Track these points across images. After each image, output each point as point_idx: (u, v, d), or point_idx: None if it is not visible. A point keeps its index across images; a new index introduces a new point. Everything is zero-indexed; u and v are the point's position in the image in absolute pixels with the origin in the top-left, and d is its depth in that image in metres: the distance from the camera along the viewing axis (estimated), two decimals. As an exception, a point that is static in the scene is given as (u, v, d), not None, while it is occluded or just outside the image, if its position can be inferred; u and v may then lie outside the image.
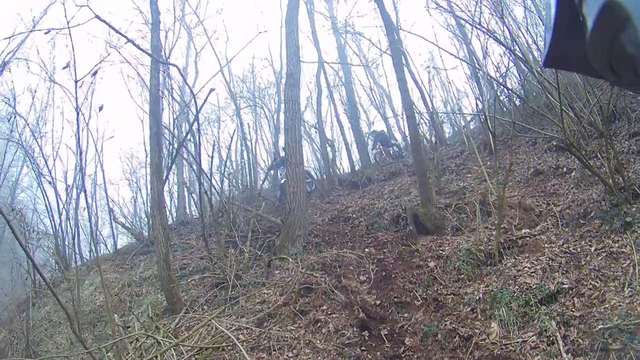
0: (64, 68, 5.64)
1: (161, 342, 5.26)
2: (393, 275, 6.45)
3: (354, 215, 9.19)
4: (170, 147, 8.61)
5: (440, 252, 6.43)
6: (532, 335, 4.31)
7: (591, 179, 6.10)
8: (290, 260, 7.25)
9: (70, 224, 10.92)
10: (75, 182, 11.43)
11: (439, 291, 5.72)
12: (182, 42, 15.31)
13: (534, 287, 4.84)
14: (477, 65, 10.17)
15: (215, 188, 10.23)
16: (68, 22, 5.21)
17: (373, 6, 10.88)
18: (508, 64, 9.28)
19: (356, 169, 12.65)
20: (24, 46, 11.84)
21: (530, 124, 8.10)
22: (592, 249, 4.95)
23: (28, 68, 11.71)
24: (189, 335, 5.55)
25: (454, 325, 4.96)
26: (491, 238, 6.08)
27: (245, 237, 8.59)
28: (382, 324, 5.54)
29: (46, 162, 10.56)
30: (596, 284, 4.43)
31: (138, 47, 6.53)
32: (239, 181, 11.37)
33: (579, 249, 5.07)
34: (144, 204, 11.98)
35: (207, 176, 8.22)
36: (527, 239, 5.84)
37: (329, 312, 5.79)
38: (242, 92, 13.41)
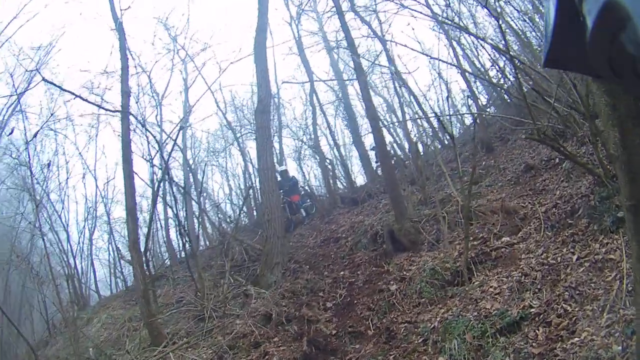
0: (9, 134, 5.34)
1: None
2: (355, 302, 5.34)
3: (344, 235, 8.08)
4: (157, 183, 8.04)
5: (405, 272, 5.23)
6: (480, 377, 3.10)
7: (582, 169, 4.72)
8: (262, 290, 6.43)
9: (83, 264, 10.85)
10: (87, 222, 11.38)
11: (394, 319, 4.52)
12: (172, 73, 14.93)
13: (494, 313, 3.57)
14: (465, 68, 8.93)
15: (209, 219, 9.69)
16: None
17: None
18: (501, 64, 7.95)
19: (358, 185, 11.61)
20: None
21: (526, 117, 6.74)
22: (575, 257, 3.59)
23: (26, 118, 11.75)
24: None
25: (397, 362, 3.80)
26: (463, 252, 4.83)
27: (238, 267, 7.89)
28: (332, 357, 4.48)
29: (55, 209, 10.35)
30: (569, 307, 3.10)
31: (87, 101, 6.23)
32: (242, 209, 10.59)
33: (559, 259, 3.72)
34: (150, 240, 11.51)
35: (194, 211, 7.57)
36: (503, 249, 4.53)
37: (279, 345, 4.80)
38: (239, 119, 12.74)
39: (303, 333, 4.81)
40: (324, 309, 5.54)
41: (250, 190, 10.67)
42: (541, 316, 3.20)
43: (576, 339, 2.74)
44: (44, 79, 5.18)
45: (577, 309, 3.01)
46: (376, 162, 11.75)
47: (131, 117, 6.41)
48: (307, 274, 6.74)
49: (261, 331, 5.04)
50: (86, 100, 6.35)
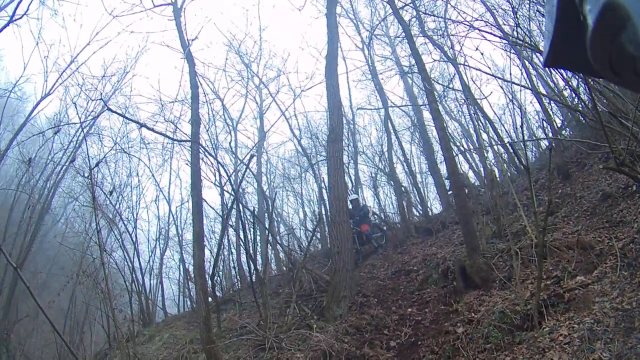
0: (72, 162, 6.02)
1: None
2: (419, 343, 5.10)
3: (415, 268, 7.82)
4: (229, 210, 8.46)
5: (474, 314, 4.90)
6: None
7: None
8: (327, 323, 6.41)
9: (152, 282, 11.54)
10: (158, 242, 12.22)
11: (457, 365, 4.26)
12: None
13: (561, 365, 3.23)
14: (538, 90, 8.27)
15: (281, 245, 9.85)
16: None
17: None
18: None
19: (434, 212, 11.14)
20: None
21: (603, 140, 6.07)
22: (651, 304, 3.16)
23: (101, 141, 12.91)
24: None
25: (454, 416, 3.55)
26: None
27: (306, 297, 7.94)
28: (390, 402, 4.32)
29: (127, 228, 11.08)
30: (641, 363, 2.72)
31: (152, 129, 6.82)
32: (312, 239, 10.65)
33: (634, 303, 3.29)
34: (221, 264, 11.94)
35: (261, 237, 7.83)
36: (577, 291, 4.08)
37: (336, 386, 4.75)
38: (314, 145, 12.90)
39: (361, 376, 4.69)
40: (387, 348, 5.37)
41: (323, 218, 10.64)
42: (611, 373, 2.83)
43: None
44: (108, 108, 5.75)
45: (649, 368, 2.61)
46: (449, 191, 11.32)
47: (200, 145, 6.80)
48: (375, 308, 6.61)
49: (319, 370, 5.01)
50: (151, 129, 6.95)
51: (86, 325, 10.32)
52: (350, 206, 9.65)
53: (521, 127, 6.21)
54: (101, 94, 11.17)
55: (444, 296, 5.99)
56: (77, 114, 10.43)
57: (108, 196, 8.33)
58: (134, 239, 10.97)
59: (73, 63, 12.25)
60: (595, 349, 3.15)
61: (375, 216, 11.63)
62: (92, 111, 11.82)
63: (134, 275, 10.21)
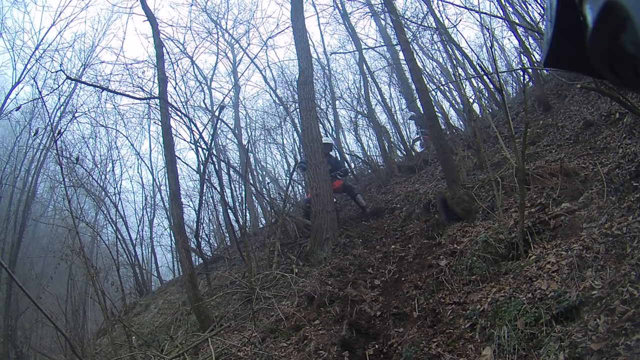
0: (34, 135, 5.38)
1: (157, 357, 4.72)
2: (403, 279, 4.90)
3: (398, 205, 7.57)
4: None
5: (457, 245, 4.66)
6: (529, 376, 2.59)
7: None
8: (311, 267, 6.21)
9: (145, 252, 11.36)
10: (145, 210, 11.89)
11: (442, 299, 4.04)
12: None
13: (550, 295, 2.99)
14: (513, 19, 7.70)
15: (264, 197, 9.53)
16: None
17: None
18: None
19: (415, 152, 10.78)
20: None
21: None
22: (644, 227, 2.89)
23: (74, 117, 12.09)
24: (181, 354, 4.86)
25: (439, 350, 3.35)
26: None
27: (291, 244, 7.70)
28: (373, 341, 4.13)
29: (112, 201, 10.77)
30: (636, 291, 2.46)
31: (115, 92, 6.22)
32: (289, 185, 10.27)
33: (624, 229, 3.02)
34: (207, 223, 11.74)
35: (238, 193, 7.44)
36: (563, 217, 3.82)
37: (319, 328, 4.55)
38: (292, 94, 12.24)
39: (345, 315, 4.49)
40: (371, 287, 5.17)
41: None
42: (604, 301, 2.60)
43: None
44: (67, 77, 5.22)
45: (646, 295, 2.36)
46: (417, 134, 10.93)
47: (167, 102, 6.28)
48: (358, 248, 6.38)
49: (303, 313, 4.82)
50: (112, 91, 6.41)
51: (87, 305, 10.11)
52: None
53: (492, 60, 5.72)
54: (60, 65, 10.28)
55: (426, 230, 5.77)
56: (37, 88, 9.56)
57: (77, 163, 7.76)
58: (122, 212, 10.63)
59: (40, 46, 11.40)
60: (586, 276, 2.91)
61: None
62: (63, 91, 11.09)
63: (125, 247, 9.93)
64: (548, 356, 2.55)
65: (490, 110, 8.94)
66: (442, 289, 4.20)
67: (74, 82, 10.04)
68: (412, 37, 9.86)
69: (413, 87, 10.84)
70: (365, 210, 8.08)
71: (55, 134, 5.32)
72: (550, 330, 2.77)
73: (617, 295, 2.55)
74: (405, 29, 8.99)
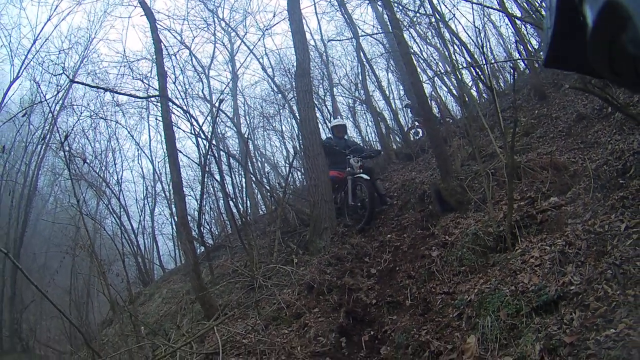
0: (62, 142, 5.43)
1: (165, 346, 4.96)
2: (397, 268, 5.10)
3: (395, 194, 7.72)
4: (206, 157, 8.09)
5: (449, 237, 4.83)
6: (508, 363, 2.78)
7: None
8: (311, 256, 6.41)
9: (147, 241, 11.54)
10: (146, 200, 12.04)
11: (432, 288, 4.23)
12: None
13: (531, 288, 3.16)
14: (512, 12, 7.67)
15: (264, 185, 9.65)
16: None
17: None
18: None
19: (413, 139, 10.87)
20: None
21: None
22: (623, 226, 3.02)
23: (74, 112, 12.26)
24: (188, 342, 5.10)
25: (428, 337, 3.55)
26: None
27: (291, 232, 7.86)
28: (369, 328, 4.35)
29: (113, 192, 10.85)
30: (610, 289, 2.62)
31: (117, 92, 6.34)
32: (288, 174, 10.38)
33: (606, 227, 3.16)
34: (208, 212, 11.85)
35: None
36: (550, 212, 3.97)
37: (318, 316, 4.77)
38: (290, 82, 12.22)
39: (342, 303, 4.71)
40: (368, 275, 5.37)
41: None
42: (580, 297, 2.76)
43: (612, 330, 2.31)
44: (72, 81, 5.31)
45: (618, 292, 2.54)
46: (412, 121, 10.97)
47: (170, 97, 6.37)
48: (356, 237, 6.57)
49: (303, 302, 5.03)
50: (117, 92, 6.53)
51: (91, 297, 10.30)
52: (330, 135, 8.51)
53: (483, 54, 5.77)
54: (63, 67, 10.29)
55: (421, 220, 5.92)
56: (43, 93, 9.62)
57: (87, 163, 7.89)
58: (123, 202, 10.73)
59: (37, 41, 11.56)
60: (566, 272, 3.07)
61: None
62: (62, 86, 11.13)
63: (127, 238, 10.06)
64: (526, 346, 2.73)
65: (486, 97, 9.00)
66: (433, 279, 4.39)
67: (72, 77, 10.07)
68: (409, 24, 9.86)
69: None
70: (383, 199, 7.42)
71: (63, 138, 5.43)
72: (530, 321, 2.94)
73: (593, 292, 2.71)
74: (402, 17, 9.01)
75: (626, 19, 0.44)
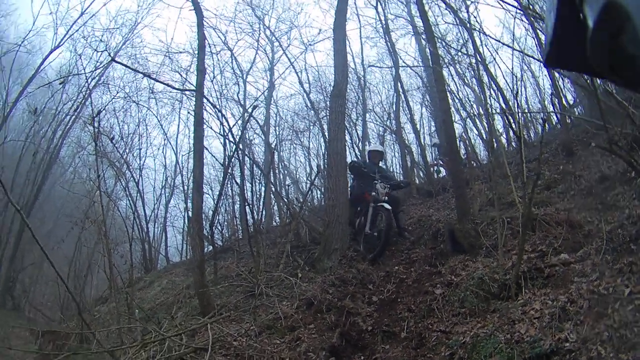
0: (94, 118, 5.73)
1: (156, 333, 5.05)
2: (399, 300, 5.11)
3: (410, 228, 7.73)
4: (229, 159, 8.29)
5: (454, 277, 4.83)
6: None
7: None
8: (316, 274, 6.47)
9: (156, 230, 11.73)
10: (164, 190, 12.26)
11: (430, 325, 4.23)
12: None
13: (526, 339, 3.16)
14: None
15: (282, 197, 9.77)
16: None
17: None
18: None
19: (435, 176, 10.86)
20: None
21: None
22: (627, 290, 3.01)
23: (109, 90, 12.58)
24: (180, 333, 5.19)
25: (418, 373, 3.56)
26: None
27: (301, 248, 7.95)
28: (360, 353, 4.36)
29: (133, 176, 11.15)
30: (604, 351, 2.61)
31: (156, 80, 6.61)
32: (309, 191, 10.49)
33: (610, 289, 3.15)
34: (222, 214, 12.00)
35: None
36: (557, 268, 3.95)
37: (313, 332, 4.81)
38: (324, 100, 12.42)
39: (339, 324, 4.73)
40: (369, 302, 5.39)
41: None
42: (573, 354, 2.76)
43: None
44: (113, 59, 5.59)
45: (611, 355, 2.52)
46: (435, 160, 10.95)
47: (205, 94, 6.60)
48: (363, 263, 6.60)
49: (300, 316, 5.07)
50: (155, 79, 6.79)
51: (91, 271, 10.45)
52: (365, 159, 8.38)
53: (516, 94, 5.81)
54: (106, 45, 10.78)
55: (430, 257, 5.91)
56: (82, 66, 10.12)
57: (112, 142, 8.16)
58: (140, 187, 11.03)
59: (84, 15, 12.14)
60: (564, 328, 3.06)
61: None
62: (101, 62, 11.58)
63: (138, 223, 10.26)
64: (512, 396, 2.73)
65: (514, 146, 8.99)
66: (432, 316, 4.38)
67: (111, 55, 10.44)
68: (449, 61, 10.01)
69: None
70: (403, 233, 7.28)
71: (95, 114, 5.72)
72: (520, 373, 2.94)
73: (587, 351, 2.70)
74: (444, 53, 9.16)
75: (626, 19, 0.45)
